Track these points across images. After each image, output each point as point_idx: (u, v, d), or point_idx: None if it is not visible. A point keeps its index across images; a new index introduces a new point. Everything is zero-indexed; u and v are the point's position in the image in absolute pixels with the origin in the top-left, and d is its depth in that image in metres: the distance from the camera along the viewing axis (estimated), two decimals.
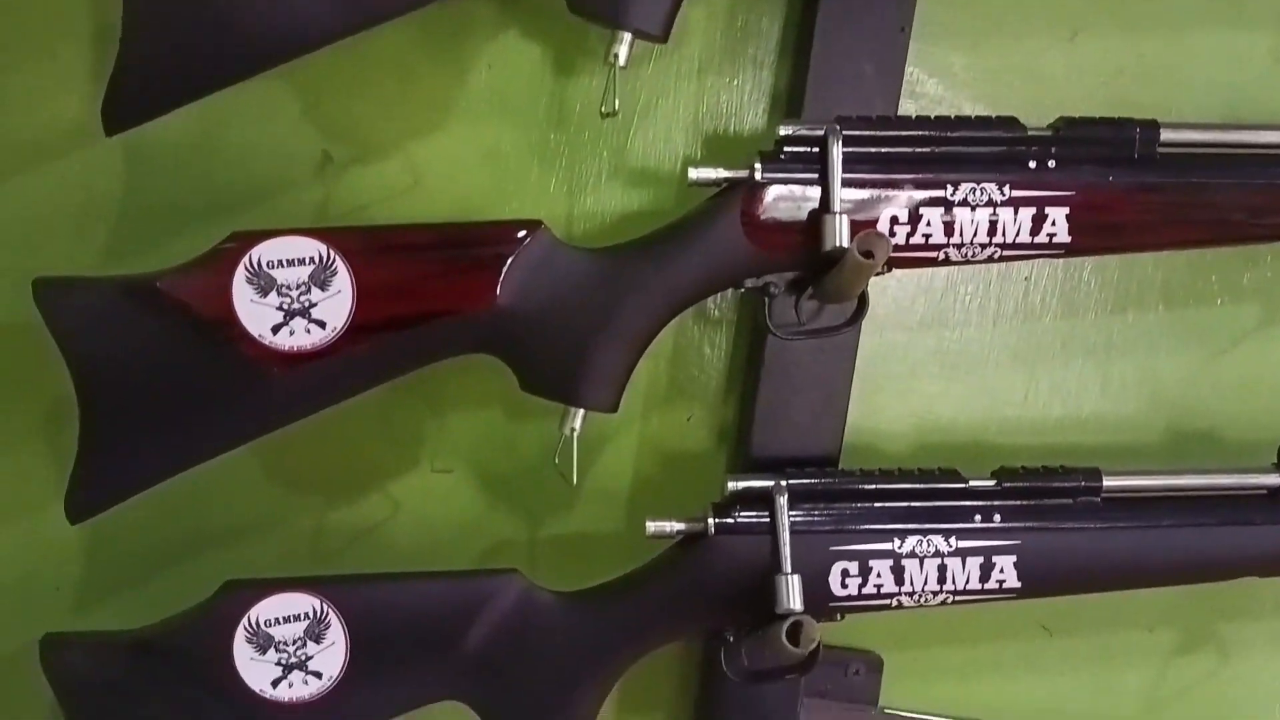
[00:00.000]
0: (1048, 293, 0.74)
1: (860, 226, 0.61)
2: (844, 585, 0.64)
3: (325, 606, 0.63)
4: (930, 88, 0.72)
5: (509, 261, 0.61)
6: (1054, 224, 0.63)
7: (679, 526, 0.65)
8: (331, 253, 0.61)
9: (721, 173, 0.63)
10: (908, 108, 0.71)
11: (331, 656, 0.63)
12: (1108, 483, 0.65)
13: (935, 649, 0.75)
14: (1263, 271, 0.74)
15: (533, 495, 0.73)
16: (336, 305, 0.60)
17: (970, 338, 0.74)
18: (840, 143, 0.61)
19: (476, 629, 0.64)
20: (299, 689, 0.63)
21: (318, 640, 0.63)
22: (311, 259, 0.60)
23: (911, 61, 0.70)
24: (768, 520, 0.63)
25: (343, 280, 0.60)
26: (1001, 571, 0.64)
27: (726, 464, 0.74)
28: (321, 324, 0.60)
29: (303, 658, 0.63)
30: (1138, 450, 0.74)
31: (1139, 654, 0.76)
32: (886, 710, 0.76)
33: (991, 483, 0.65)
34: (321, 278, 0.60)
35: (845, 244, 0.60)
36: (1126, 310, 0.74)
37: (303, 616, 0.63)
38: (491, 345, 0.62)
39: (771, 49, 0.70)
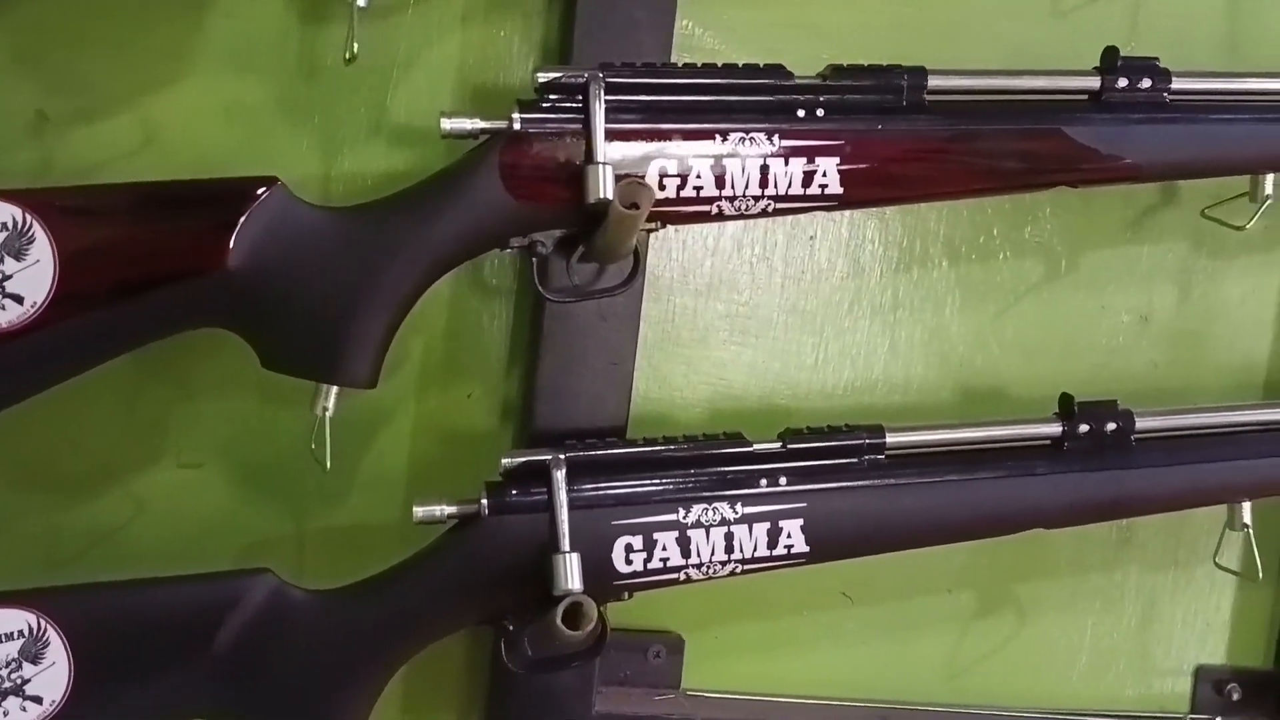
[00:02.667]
0: (834, 252, 0.72)
1: (627, 179, 0.59)
2: (629, 561, 0.60)
3: (43, 622, 0.56)
4: (706, 41, 0.69)
5: (240, 222, 0.55)
6: (825, 175, 0.60)
7: (450, 509, 0.60)
8: (27, 217, 0.53)
9: (478, 123, 0.58)
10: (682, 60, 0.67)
11: (52, 678, 0.56)
12: (891, 439, 0.63)
13: (737, 625, 0.73)
14: (1043, 225, 0.74)
15: (297, 486, 0.67)
16: (35, 276, 0.53)
17: (759, 301, 0.72)
18: (603, 90, 0.58)
19: (225, 635, 0.58)
20: (16, 717, 0.56)
21: (35, 661, 0.56)
22: (2, 224, 0.54)
23: (685, 14, 0.67)
24: (545, 497, 0.59)
25: (42, 248, 0.53)
26: (789, 536, 0.61)
27: (512, 441, 0.69)
28: (18, 298, 0.53)
29: (18, 681, 0.56)
30: (929, 410, 0.73)
31: (940, 618, 0.75)
32: (689, 693, 0.73)
33: (777, 445, 0.63)
34: (16, 246, 0.53)
35: (608, 196, 0.56)
36: (911, 268, 0.73)
37: (16, 635, 0.55)
38: (225, 317, 0.56)
39: None
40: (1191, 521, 0.76)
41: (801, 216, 0.72)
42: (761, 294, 0.72)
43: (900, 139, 0.62)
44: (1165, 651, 0.78)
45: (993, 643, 0.76)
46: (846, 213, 0.73)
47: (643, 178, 0.58)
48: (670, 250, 0.70)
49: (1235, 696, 0.79)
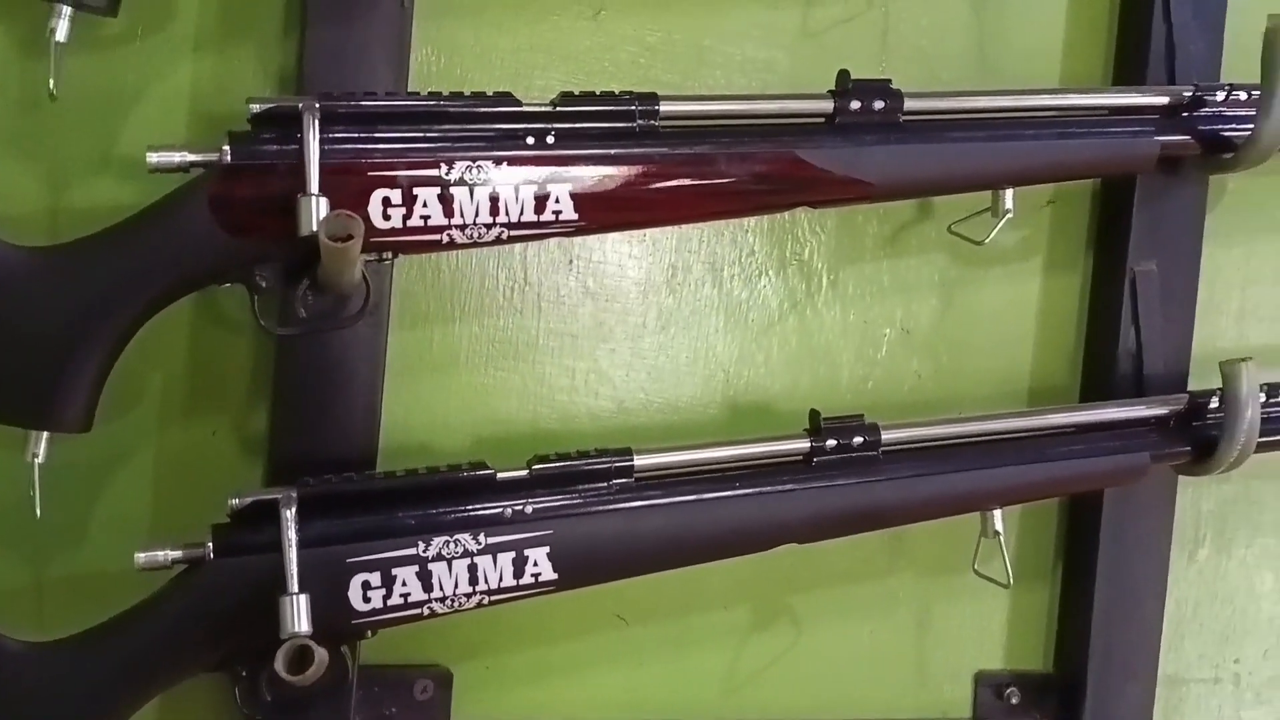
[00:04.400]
0: (594, 274, 0.72)
1: (348, 209, 0.58)
2: (366, 599, 0.59)
3: None
4: (445, 67, 0.68)
5: None
6: (559, 201, 0.60)
7: (175, 554, 0.58)
8: None
9: (187, 156, 0.57)
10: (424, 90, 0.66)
11: None
12: (640, 462, 0.63)
13: (507, 654, 0.72)
14: (803, 243, 0.75)
15: (29, 533, 0.64)
16: None
17: (521, 324, 0.71)
18: (317, 120, 0.56)
19: None
20: None
21: None
22: None
23: (423, 41, 0.67)
24: (275, 537, 0.57)
25: None
26: (536, 565, 0.61)
27: (262, 479, 0.68)
28: None
29: None
30: (697, 428, 0.74)
31: (716, 634, 0.75)
32: None
33: (523, 473, 0.62)
34: None
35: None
36: (675, 288, 0.73)
37: None
38: None
39: (275, 24, 0.65)
40: (962, 528, 0.77)
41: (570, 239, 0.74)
42: (522, 318, 0.71)
43: (634, 164, 0.62)
44: (944, 657, 0.80)
45: (770, 655, 0.77)
46: (609, 236, 0.75)
47: (364, 207, 0.56)
48: (424, 275, 0.69)
49: (1015, 700, 0.81)
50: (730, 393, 0.75)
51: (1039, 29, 0.78)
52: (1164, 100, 0.73)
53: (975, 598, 0.80)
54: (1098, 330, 0.79)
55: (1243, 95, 0.73)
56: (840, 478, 0.66)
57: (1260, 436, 0.72)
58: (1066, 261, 0.80)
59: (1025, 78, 0.78)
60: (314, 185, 0.56)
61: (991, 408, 0.76)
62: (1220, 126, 0.73)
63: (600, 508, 0.62)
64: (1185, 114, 0.73)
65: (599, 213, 0.62)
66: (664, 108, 0.63)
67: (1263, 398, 0.74)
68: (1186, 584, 0.84)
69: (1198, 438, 0.73)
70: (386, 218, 0.58)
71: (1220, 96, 0.73)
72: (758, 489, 0.65)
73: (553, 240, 0.71)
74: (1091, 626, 0.78)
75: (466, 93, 0.61)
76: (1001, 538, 0.70)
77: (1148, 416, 0.72)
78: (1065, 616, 0.80)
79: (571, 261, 0.72)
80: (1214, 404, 0.73)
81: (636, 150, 0.62)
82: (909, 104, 0.67)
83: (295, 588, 0.57)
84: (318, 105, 0.57)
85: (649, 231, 0.74)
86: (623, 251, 0.73)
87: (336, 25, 0.64)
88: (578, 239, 0.72)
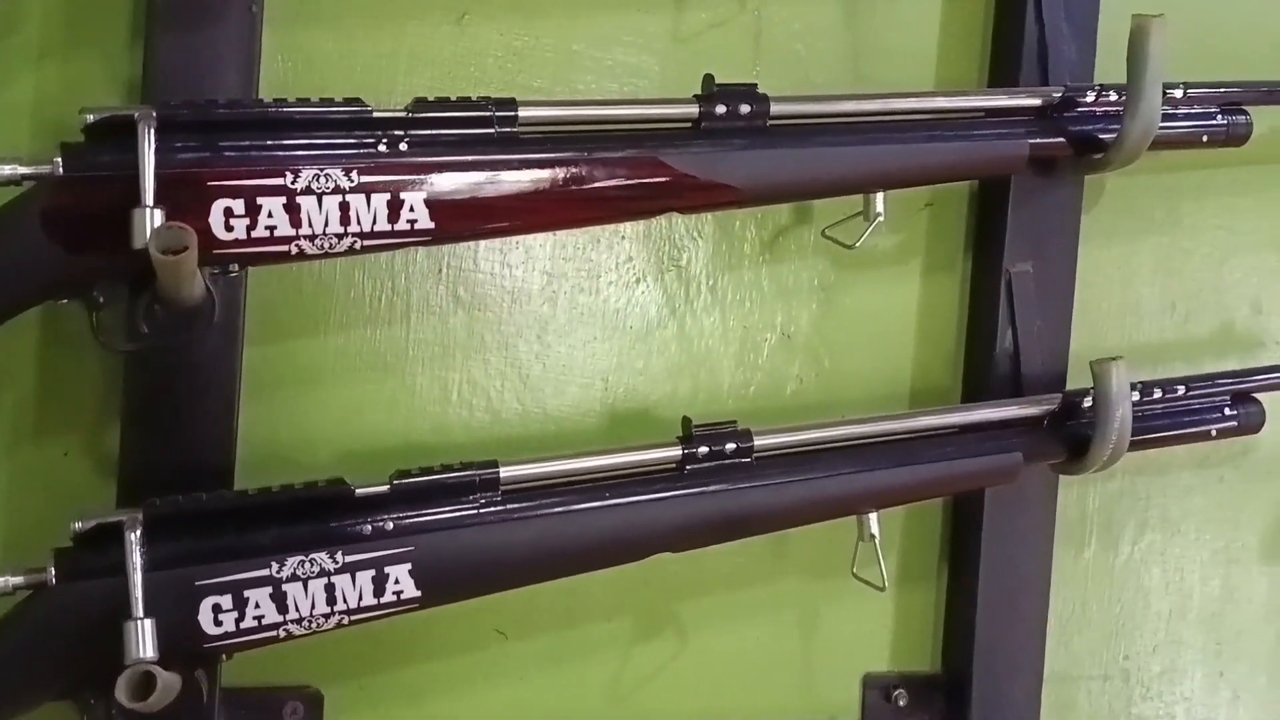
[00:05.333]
0: (465, 283, 0.71)
1: (187, 221, 0.55)
2: (218, 622, 0.57)
3: None
4: (301, 75, 0.67)
5: None
6: (413, 210, 0.59)
7: (16, 580, 0.56)
8: None
9: (18, 169, 0.54)
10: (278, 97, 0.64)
11: None
12: (506, 474, 0.62)
13: (382, 673, 0.70)
14: (681, 249, 0.74)
15: None
16: None
17: (387, 335, 0.70)
18: (152, 130, 0.55)
19: None
20: None
21: None
22: None
23: (276, 48, 0.65)
24: (120, 560, 0.56)
25: None
26: (397, 582, 0.59)
27: (118, 499, 0.66)
28: None
29: None
30: (576, 437, 0.73)
31: (600, 645, 0.75)
32: None
33: (384, 488, 0.61)
34: None
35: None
36: (552, 296, 0.72)
37: None
38: None
39: (122, 32, 0.64)
40: (848, 531, 0.76)
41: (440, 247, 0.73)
42: (391, 328, 0.70)
43: (492, 171, 0.61)
44: (831, 660, 0.79)
45: (656, 664, 0.76)
46: (482, 244, 0.73)
47: (205, 218, 0.54)
48: (285, 286, 0.67)
49: (902, 702, 0.81)
50: (609, 401, 0.74)
51: (913, 32, 0.78)
52: (1033, 102, 0.74)
53: (861, 600, 0.78)
54: (976, 331, 0.80)
55: (1113, 96, 0.74)
56: (713, 485, 0.66)
57: (1135, 435, 0.73)
58: (945, 263, 0.80)
59: (900, 81, 0.78)
60: (148, 197, 0.54)
61: (874, 410, 0.76)
62: (1090, 127, 0.74)
63: (465, 522, 0.61)
64: (1055, 115, 0.73)
65: (457, 221, 0.61)
66: (523, 113, 0.62)
67: (1136, 396, 0.77)
68: (1074, 582, 0.85)
69: (1072, 437, 0.74)
70: (229, 229, 0.57)
71: (1091, 97, 0.74)
72: (629, 499, 0.64)
73: (420, 249, 0.71)
74: (975, 626, 0.78)
75: (315, 99, 0.59)
76: (878, 541, 0.70)
77: (1020, 417, 0.73)
78: (950, 616, 0.81)
79: (441, 270, 0.71)
80: (1087, 403, 0.74)
81: (494, 156, 0.61)
82: (775, 108, 0.67)
83: (140, 613, 0.55)
84: (154, 114, 0.56)
85: (523, 238, 0.74)
86: (495, 259, 0.72)
87: (182, 32, 0.62)
88: (447, 247, 0.72)
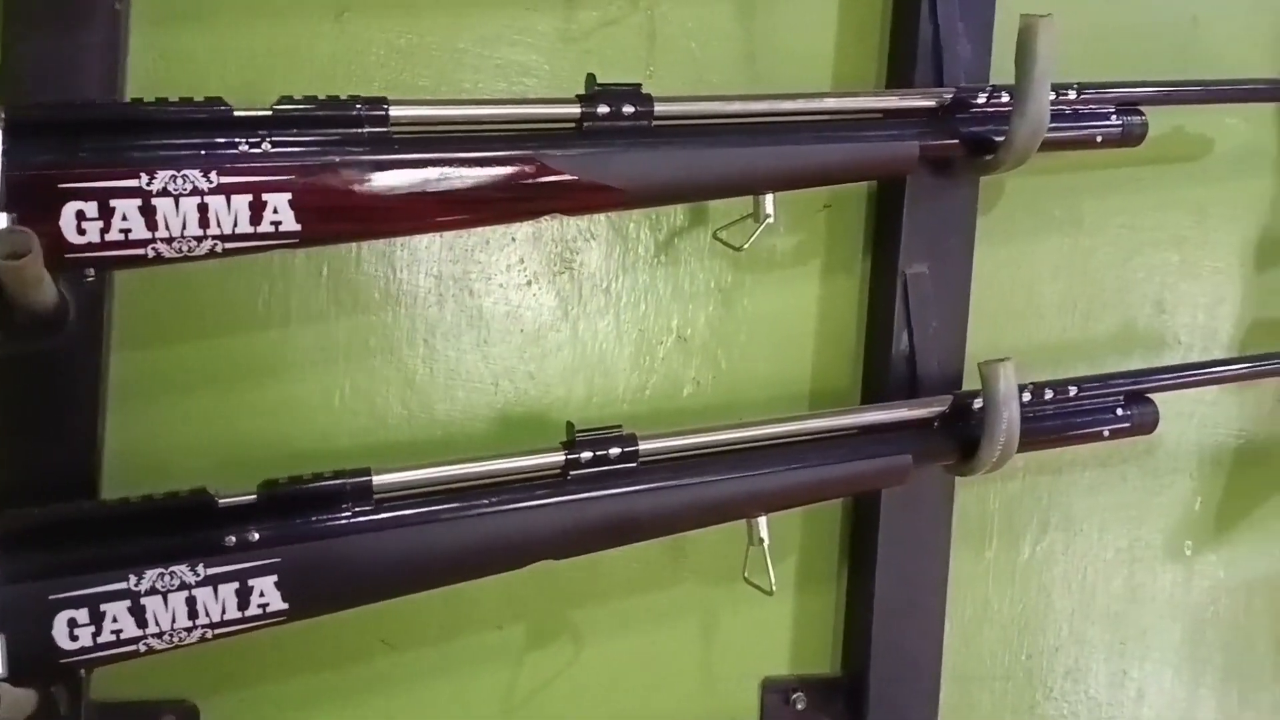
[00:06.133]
0: (348, 286, 0.69)
1: (38, 225, 0.54)
2: (74, 637, 0.55)
3: None
4: (173, 74, 0.65)
5: None
6: (276, 211, 0.57)
7: None
8: None
9: None
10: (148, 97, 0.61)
11: None
12: (380, 481, 0.60)
13: (262, 685, 0.69)
14: (573, 252, 0.73)
15: None
16: None
17: (266, 340, 0.68)
18: (1, 130, 0.55)
19: None
20: None
21: None
22: None
23: (145, 45, 0.64)
24: None
25: None
26: (263, 595, 0.58)
27: None
28: None
29: None
30: (465, 443, 0.71)
31: (492, 654, 0.73)
32: None
33: (251, 498, 0.59)
34: None
35: None
36: (441, 300, 0.71)
37: None
38: None
39: None
40: (745, 534, 0.79)
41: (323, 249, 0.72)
42: (269, 333, 0.68)
43: (361, 172, 0.59)
44: (730, 665, 0.79)
45: (550, 672, 0.75)
46: (365, 245, 0.72)
47: (55, 221, 0.52)
48: (156, 290, 0.65)
49: (800, 705, 0.80)
50: (500, 405, 0.73)
51: (810, 32, 0.78)
52: (924, 103, 0.73)
53: (760, 604, 0.77)
54: (874, 333, 0.80)
55: (1005, 96, 0.74)
56: (597, 490, 0.64)
57: (1026, 436, 0.72)
58: (844, 265, 0.80)
59: (798, 81, 0.78)
60: None
61: (773, 412, 0.76)
62: (982, 128, 0.73)
63: (335, 532, 0.59)
64: (946, 116, 0.73)
65: (324, 223, 0.59)
66: (395, 112, 0.60)
67: (1027, 397, 0.76)
68: (976, 582, 0.86)
69: (962, 438, 0.73)
70: (81, 232, 0.54)
71: (982, 98, 0.74)
72: (508, 505, 0.63)
73: (301, 251, 0.70)
74: (873, 627, 0.78)
75: (174, 99, 0.58)
76: (766, 545, 0.69)
77: (911, 419, 0.72)
78: (850, 619, 0.80)
79: (322, 273, 0.69)
80: (977, 405, 0.73)
81: (364, 157, 0.59)
82: (660, 108, 0.65)
83: None
84: (3, 115, 0.55)
85: (410, 239, 0.73)
86: (380, 261, 0.70)
87: (42, 31, 0.60)
88: (330, 249, 0.70)
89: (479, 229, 0.70)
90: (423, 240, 0.72)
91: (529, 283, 0.74)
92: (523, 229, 0.74)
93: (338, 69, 0.68)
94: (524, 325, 0.73)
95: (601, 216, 0.76)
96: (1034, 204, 0.85)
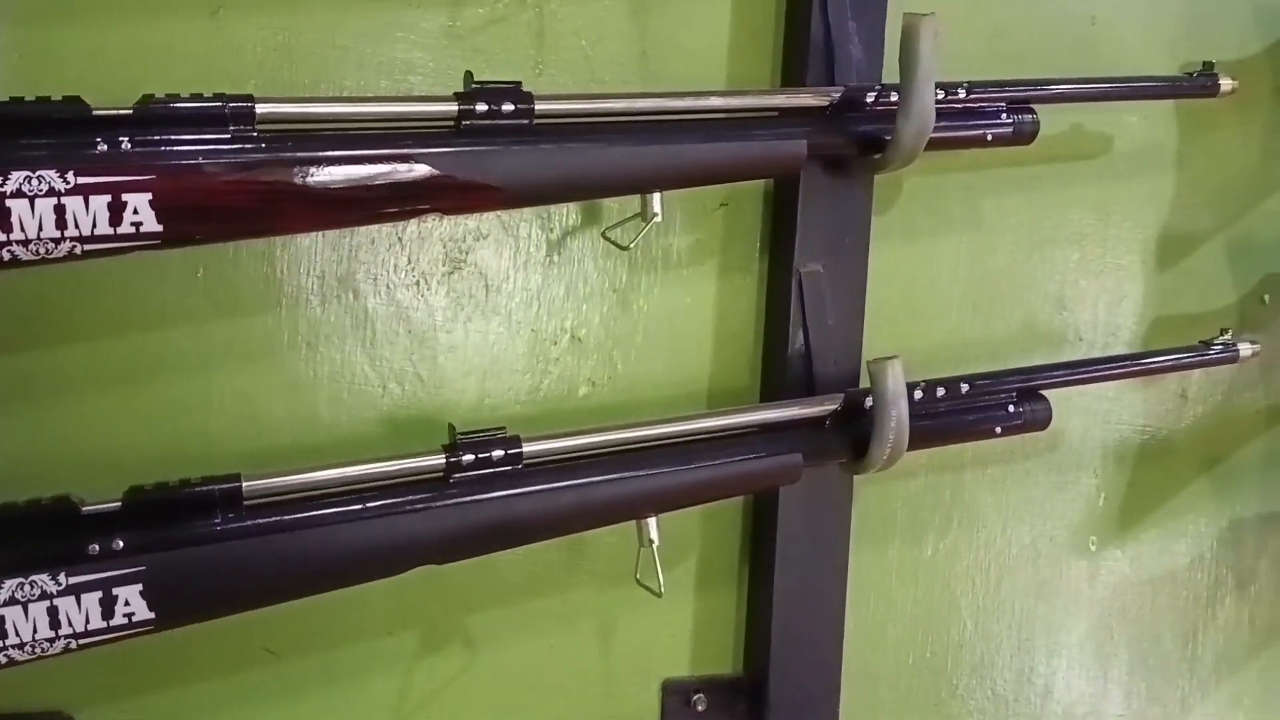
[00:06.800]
0: (226, 287, 0.67)
1: None
2: None
3: None
4: (45, 73, 0.63)
5: None
6: (137, 212, 0.56)
7: None
8: None
9: None
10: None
11: None
12: (251, 486, 0.59)
13: (141, 696, 0.67)
14: (463, 251, 0.71)
15: None
16: None
17: (140, 344, 0.66)
18: None
19: None
20: None
21: None
22: None
23: (12, 46, 0.62)
24: None
25: None
26: (128, 604, 0.56)
27: None
28: None
29: None
30: (353, 446, 0.70)
31: (382, 662, 0.73)
32: None
33: (116, 505, 0.58)
34: None
35: None
36: (326, 298, 0.69)
37: None
38: None
39: None
40: None
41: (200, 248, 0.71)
42: (145, 336, 0.66)
43: (226, 172, 0.58)
44: (630, 667, 0.78)
45: (443, 679, 0.74)
46: (244, 245, 0.70)
47: None
48: (15, 293, 0.63)
49: (701, 706, 0.79)
50: (387, 408, 0.72)
51: (704, 30, 0.77)
52: (812, 101, 0.73)
53: (660, 606, 0.76)
54: (771, 332, 0.80)
55: (894, 96, 0.74)
56: (479, 493, 0.64)
57: (918, 433, 0.72)
58: (742, 264, 0.80)
59: (691, 79, 0.77)
60: None
61: (670, 412, 0.74)
62: (871, 127, 0.73)
63: (203, 540, 0.58)
64: (835, 115, 0.73)
65: (188, 224, 0.58)
66: (262, 109, 0.59)
67: (919, 395, 0.76)
68: (879, 580, 0.85)
69: (855, 436, 0.73)
70: None
71: (871, 98, 0.74)
72: (387, 510, 0.62)
73: (175, 250, 0.68)
74: (773, 627, 0.78)
75: (31, 98, 0.56)
76: (656, 546, 0.69)
77: (802, 417, 0.72)
78: (750, 619, 0.80)
79: (199, 272, 0.68)
80: (869, 403, 0.73)
81: (229, 156, 0.58)
82: (541, 107, 0.65)
83: None
84: None
85: (294, 238, 0.71)
86: (260, 260, 0.69)
87: None
88: (207, 248, 0.69)
89: (358, 229, 0.70)
90: (305, 239, 0.71)
91: (417, 283, 0.73)
92: (410, 228, 0.73)
93: (213, 67, 0.66)
94: (412, 326, 0.72)
95: (492, 215, 0.75)
96: (933, 202, 0.86)
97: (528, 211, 0.74)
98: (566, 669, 0.77)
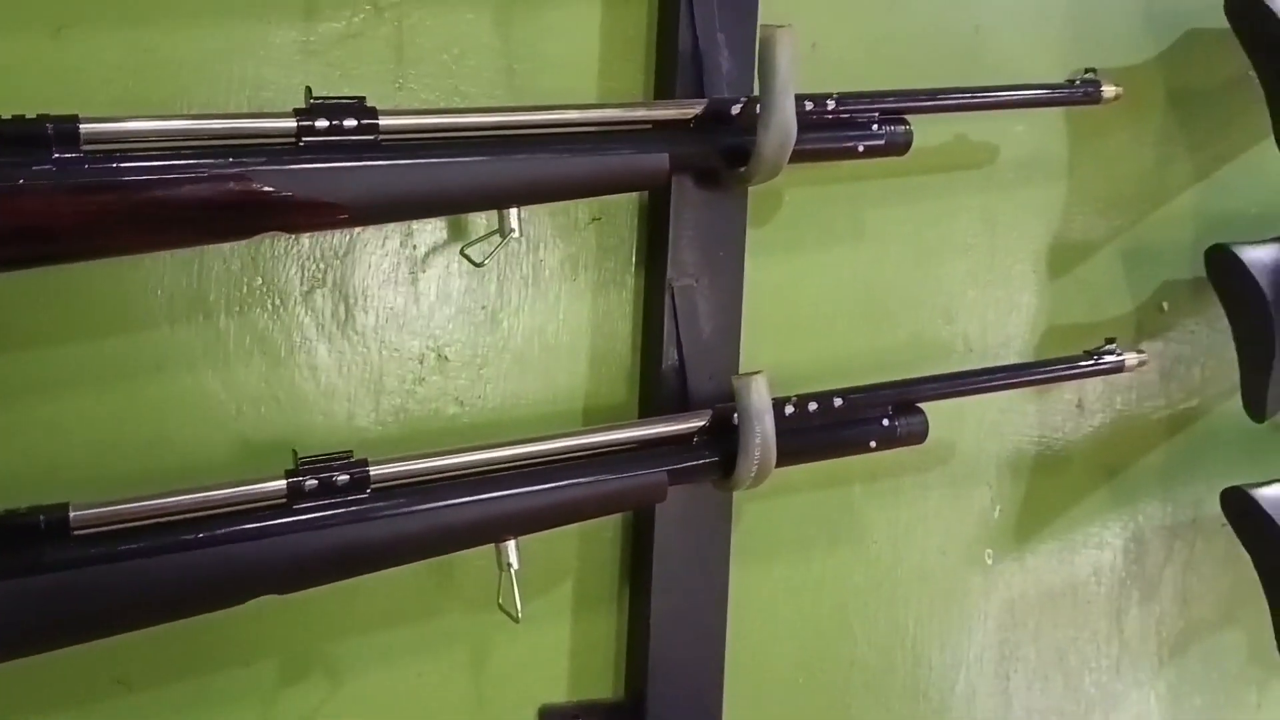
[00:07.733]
0: (68, 310, 0.64)
1: None
2: None
3: None
4: None
5: None
6: None
7: None
8: None
9: None
10: None
11: None
12: (76, 515, 0.57)
13: None
14: (316, 271, 0.69)
15: None
16: None
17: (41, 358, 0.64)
18: None
19: None
20: None
21: None
22: None
23: None
24: None
25: None
26: None
27: None
28: None
29: None
30: (202, 471, 0.67)
31: (239, 694, 0.70)
32: None
33: None
34: None
35: None
36: (174, 318, 0.67)
37: None
38: None
39: None
40: (521, 558, 0.76)
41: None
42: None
43: (51, 193, 0.56)
44: (505, 693, 0.77)
45: (305, 711, 0.72)
46: (90, 264, 0.69)
47: None
48: None
49: None
50: (242, 432, 0.70)
51: (572, 41, 0.76)
52: (675, 114, 0.72)
53: (537, 630, 0.77)
54: (646, 348, 0.78)
55: (759, 108, 0.74)
56: (325, 519, 0.62)
57: (789, 449, 0.71)
58: (616, 278, 0.78)
59: (559, 92, 0.76)
60: None
61: (544, 430, 0.73)
62: (736, 139, 0.72)
63: (27, 570, 0.55)
64: (700, 127, 0.72)
65: (8, 246, 0.55)
66: (88, 129, 0.57)
67: (791, 410, 0.75)
68: (763, 599, 0.84)
69: (724, 453, 0.72)
70: None
71: (736, 109, 0.73)
72: (224, 539, 0.60)
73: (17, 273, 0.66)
74: (650, 649, 0.76)
75: None
76: (514, 570, 0.67)
77: (668, 434, 0.71)
78: (630, 641, 0.79)
79: (46, 294, 0.65)
80: (737, 419, 0.74)
81: (54, 178, 0.55)
82: (386, 122, 0.63)
83: None
84: None
85: (142, 257, 0.68)
86: (107, 278, 0.66)
87: None
88: (52, 269, 0.67)
89: (206, 248, 0.69)
90: (153, 258, 0.68)
91: (273, 304, 0.71)
92: (264, 246, 0.72)
93: (54, 88, 0.64)
94: (267, 348, 0.70)
95: (355, 231, 0.74)
96: (815, 214, 0.85)
97: (389, 227, 0.73)
98: (437, 697, 0.75)
